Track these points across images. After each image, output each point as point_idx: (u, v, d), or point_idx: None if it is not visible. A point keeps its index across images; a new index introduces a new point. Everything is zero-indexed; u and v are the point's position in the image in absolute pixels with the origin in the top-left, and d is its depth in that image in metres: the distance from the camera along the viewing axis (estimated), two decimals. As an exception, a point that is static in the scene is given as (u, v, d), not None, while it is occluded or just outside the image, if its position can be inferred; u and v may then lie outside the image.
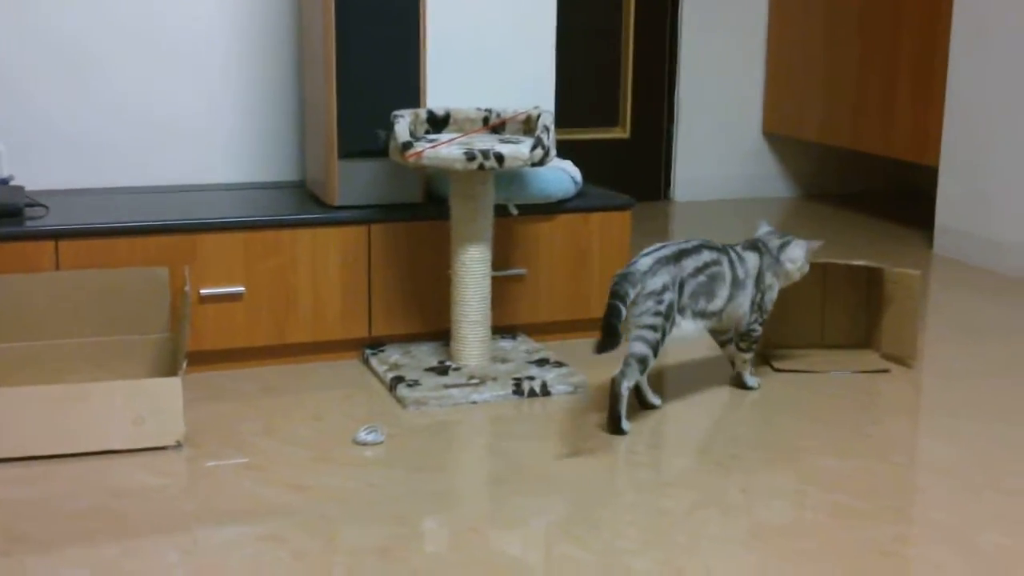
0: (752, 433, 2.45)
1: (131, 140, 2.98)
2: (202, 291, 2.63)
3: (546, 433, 2.41)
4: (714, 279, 2.52)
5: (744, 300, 2.59)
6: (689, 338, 2.53)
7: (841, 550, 1.92)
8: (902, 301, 2.83)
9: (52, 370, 2.50)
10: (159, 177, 3.02)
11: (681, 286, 2.47)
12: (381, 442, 2.33)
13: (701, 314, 2.52)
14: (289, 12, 3.04)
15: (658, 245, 2.51)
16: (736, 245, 2.62)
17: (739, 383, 2.70)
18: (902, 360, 2.86)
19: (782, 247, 2.65)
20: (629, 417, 2.43)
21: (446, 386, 2.57)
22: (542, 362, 2.75)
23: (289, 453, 2.28)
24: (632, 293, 2.40)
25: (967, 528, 2.00)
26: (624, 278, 2.42)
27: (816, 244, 2.67)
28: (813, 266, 2.71)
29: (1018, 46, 3.74)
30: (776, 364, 2.83)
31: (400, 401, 2.54)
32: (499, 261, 2.82)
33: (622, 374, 2.42)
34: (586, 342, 3.00)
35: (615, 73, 4.94)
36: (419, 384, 2.58)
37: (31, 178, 2.91)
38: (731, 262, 2.57)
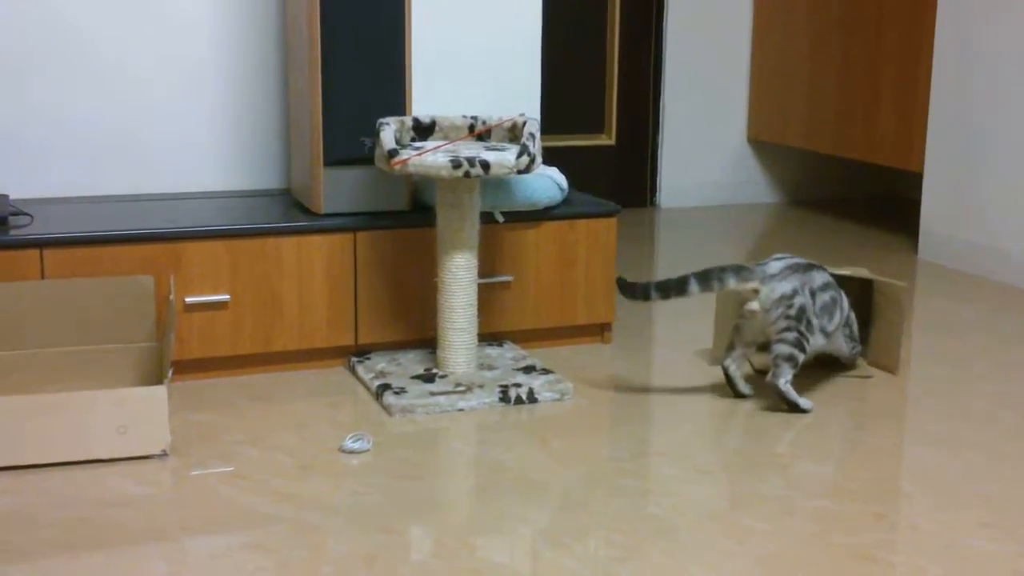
0: (736, 440, 2.46)
1: (116, 149, 2.97)
2: (187, 299, 2.62)
3: (532, 441, 2.42)
4: (833, 301, 2.65)
5: (840, 326, 2.70)
6: (810, 354, 2.63)
7: (825, 557, 1.92)
8: (888, 312, 2.84)
9: (36, 379, 2.49)
10: (144, 185, 3.02)
11: (813, 296, 2.59)
12: (368, 450, 2.33)
13: (823, 332, 2.63)
14: (274, 19, 3.04)
15: (784, 254, 2.65)
16: (812, 265, 2.66)
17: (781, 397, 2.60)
18: (887, 369, 2.87)
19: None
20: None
21: (432, 394, 2.57)
22: (529, 369, 2.75)
23: (275, 462, 2.27)
24: (730, 283, 2.56)
25: (951, 535, 2.01)
26: (737, 268, 2.57)
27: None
28: None
29: (1002, 51, 3.77)
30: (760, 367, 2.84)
31: (387, 409, 2.54)
32: (485, 268, 2.83)
33: (774, 375, 2.56)
34: (572, 349, 3.02)
35: (600, 80, 4.95)
36: (405, 392, 2.58)
37: (14, 187, 2.90)
38: (839, 287, 2.69)
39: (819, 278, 2.63)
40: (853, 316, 2.76)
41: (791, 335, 2.56)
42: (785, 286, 2.56)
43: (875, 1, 4.42)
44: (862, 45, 4.51)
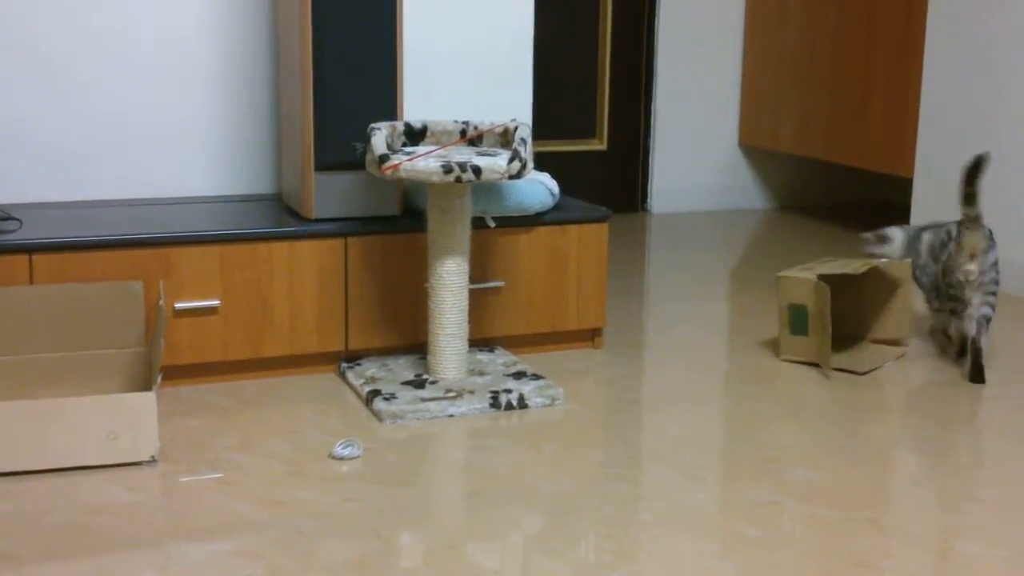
0: (728, 445, 2.45)
1: (105, 153, 2.96)
2: (177, 305, 2.62)
3: (523, 447, 2.41)
4: None
5: None
6: None
7: (817, 562, 1.92)
8: (891, 292, 3.04)
9: (26, 385, 2.48)
10: (133, 190, 3.01)
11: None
12: (358, 456, 2.32)
13: None
14: (266, 24, 3.04)
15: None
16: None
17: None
18: (900, 342, 3.06)
19: None
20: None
21: (423, 399, 2.57)
22: (519, 375, 2.74)
23: (265, 468, 2.26)
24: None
25: (943, 539, 2.01)
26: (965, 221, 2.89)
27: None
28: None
29: (993, 57, 3.77)
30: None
31: (377, 415, 2.54)
32: (477, 273, 2.82)
33: (979, 334, 2.83)
34: (563, 354, 3.01)
35: (592, 85, 4.95)
36: (396, 398, 2.57)
37: (3, 191, 2.89)
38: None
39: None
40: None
41: (994, 299, 2.86)
42: (993, 255, 2.85)
43: (867, 7, 4.43)
44: (853, 51, 4.51)
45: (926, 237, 3.07)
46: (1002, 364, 3.04)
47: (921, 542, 2.00)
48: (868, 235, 3.13)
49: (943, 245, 2.96)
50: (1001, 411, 2.68)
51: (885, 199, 5.24)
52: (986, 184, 3.82)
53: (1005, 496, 2.20)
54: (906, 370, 2.96)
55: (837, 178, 5.26)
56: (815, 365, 2.93)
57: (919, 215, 4.12)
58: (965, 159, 3.88)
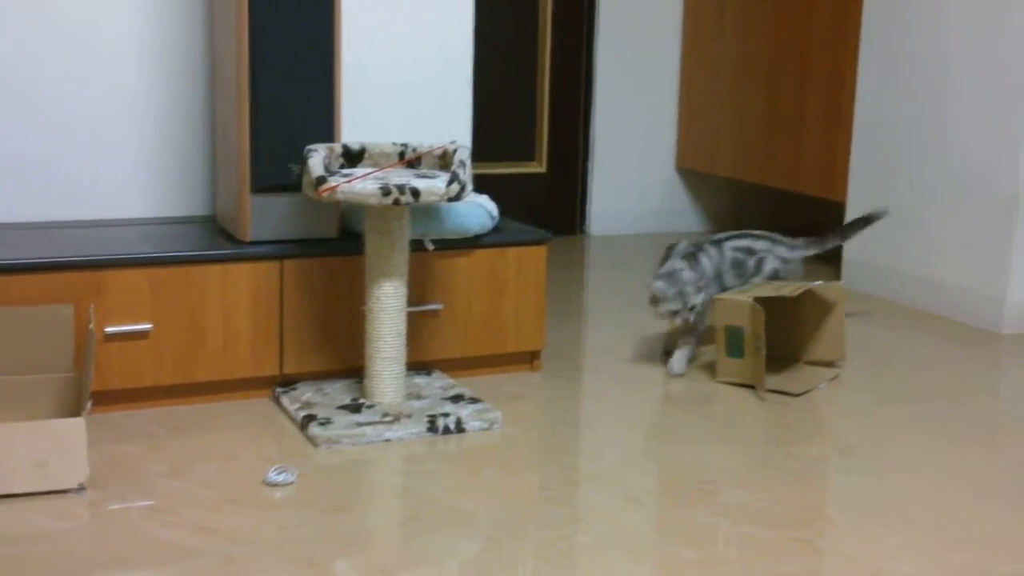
0: (665, 466, 2.46)
1: (36, 175, 2.91)
2: (107, 329, 2.57)
3: (460, 471, 2.40)
4: None
5: None
6: None
7: (754, 585, 1.92)
8: (826, 312, 3.09)
9: (-51, 411, 2.42)
10: (65, 213, 2.95)
11: None
12: (292, 482, 2.29)
13: None
14: (201, 43, 3.01)
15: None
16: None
17: None
18: (836, 362, 3.12)
19: (656, 276, 3.06)
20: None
21: (359, 424, 2.54)
22: (457, 398, 2.73)
23: (197, 495, 2.22)
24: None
25: (876, 560, 2.03)
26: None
27: (666, 305, 3.02)
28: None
29: (922, 83, 3.84)
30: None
31: (312, 440, 2.51)
32: (415, 296, 2.81)
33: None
34: (502, 377, 3.00)
35: (531, 108, 4.97)
36: (331, 422, 2.54)
37: (-70, 212, 2.83)
38: None
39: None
40: None
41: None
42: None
43: (800, 34, 4.49)
44: (787, 77, 4.58)
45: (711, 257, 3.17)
46: (930, 384, 3.08)
47: (855, 563, 2.02)
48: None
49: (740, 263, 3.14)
50: (929, 432, 2.71)
51: (819, 222, 5.30)
52: (912, 208, 3.88)
53: (937, 517, 2.22)
54: (839, 391, 2.99)
55: (773, 201, 5.32)
56: (751, 387, 2.95)
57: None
58: (895, 182, 3.95)
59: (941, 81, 3.77)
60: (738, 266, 3.15)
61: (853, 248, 4.16)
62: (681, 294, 2.93)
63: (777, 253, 3.18)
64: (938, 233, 3.81)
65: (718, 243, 3.16)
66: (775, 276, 3.17)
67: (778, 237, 3.25)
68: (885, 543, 2.10)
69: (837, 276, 4.23)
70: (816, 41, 4.41)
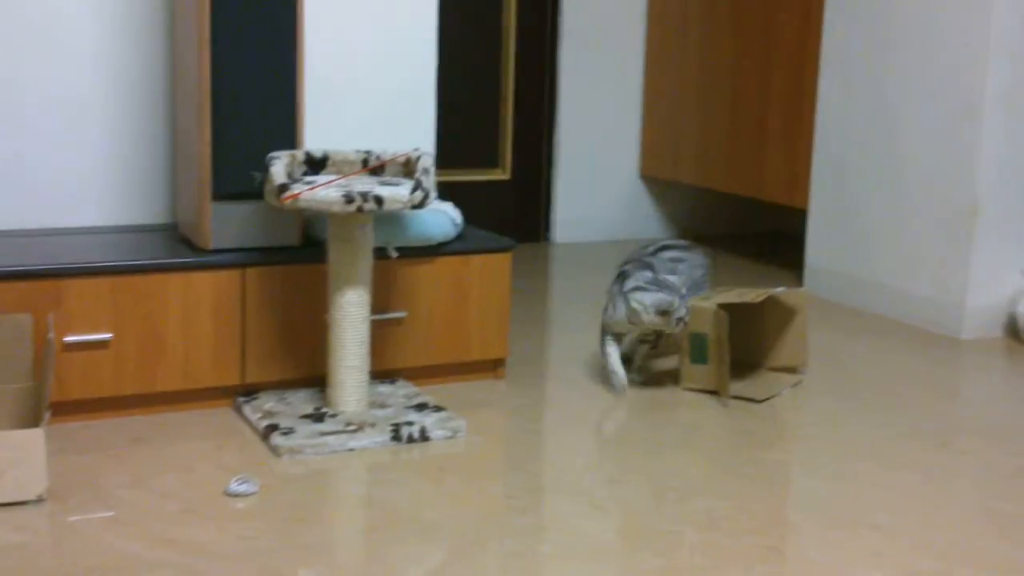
0: (629, 474, 2.45)
1: (-7, 181, 2.87)
2: (67, 338, 2.54)
3: (424, 480, 2.38)
4: None
5: None
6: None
7: (719, 592, 1.93)
8: (790, 318, 3.08)
9: (-96, 423, 2.38)
10: (24, 220, 2.91)
11: None
12: (254, 493, 2.27)
13: None
14: (162, 49, 2.98)
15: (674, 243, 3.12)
16: (631, 260, 3.02)
17: None
18: (799, 368, 3.12)
19: (640, 289, 2.88)
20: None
21: (322, 433, 2.52)
22: (421, 407, 2.72)
23: (158, 506, 2.20)
24: None
25: (841, 565, 2.03)
26: None
27: (678, 312, 2.87)
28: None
29: (881, 93, 3.88)
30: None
31: (274, 450, 2.48)
32: (378, 304, 2.79)
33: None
34: (466, 385, 2.99)
35: (495, 115, 4.96)
36: (294, 432, 2.52)
37: None
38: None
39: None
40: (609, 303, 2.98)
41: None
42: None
43: (762, 44, 4.52)
44: (750, 85, 4.60)
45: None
46: (892, 389, 3.10)
47: (821, 569, 2.02)
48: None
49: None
50: (891, 437, 2.73)
51: (782, 229, 5.33)
52: (873, 215, 3.91)
53: (901, 522, 2.24)
54: (802, 397, 3.00)
55: (736, 209, 5.35)
56: (715, 393, 2.95)
57: (814, 244, 4.20)
58: (856, 189, 3.98)
59: (900, 91, 3.81)
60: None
61: (815, 255, 4.19)
62: (683, 299, 2.88)
63: (696, 262, 3.13)
64: (898, 240, 3.84)
65: (654, 254, 3.06)
66: (701, 284, 3.13)
67: (692, 244, 3.21)
68: (850, 549, 2.11)
69: (799, 283, 4.25)
70: (778, 51, 4.44)
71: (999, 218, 3.60)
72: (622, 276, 2.95)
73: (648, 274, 2.91)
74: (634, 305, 2.84)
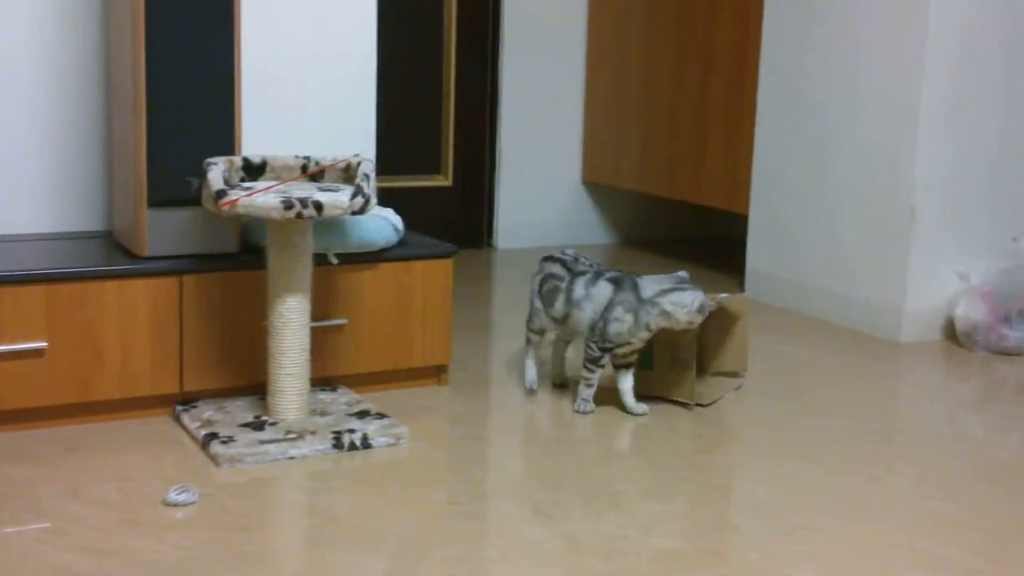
0: (574, 479, 2.45)
1: (-78, 188, 2.81)
2: (0, 348, 2.48)
3: (366, 488, 2.36)
4: (554, 291, 2.91)
5: (581, 319, 2.85)
6: (551, 330, 2.99)
7: (662, 595, 1.93)
8: (730, 324, 3.06)
9: None
10: (-47, 227, 2.86)
11: (543, 283, 2.95)
12: (193, 502, 2.23)
13: (546, 313, 2.95)
14: (96, 50, 2.94)
15: (563, 250, 3.02)
16: (604, 272, 2.89)
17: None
18: (739, 371, 3.10)
19: (666, 292, 2.77)
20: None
21: (262, 442, 2.49)
22: (363, 414, 2.69)
23: (94, 516, 2.16)
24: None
25: (781, 567, 2.05)
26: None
27: (710, 305, 2.84)
28: None
29: (820, 98, 3.92)
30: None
31: (214, 459, 2.45)
32: (319, 311, 2.77)
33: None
34: (408, 392, 2.98)
35: (437, 121, 4.95)
36: (234, 440, 2.49)
37: None
38: (571, 283, 2.88)
39: (547, 268, 2.96)
40: (602, 317, 2.81)
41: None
42: (542, 267, 3.00)
43: (703, 50, 4.55)
44: (691, 93, 4.63)
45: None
46: (832, 393, 3.13)
47: (760, 570, 2.03)
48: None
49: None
50: (831, 439, 2.75)
51: (724, 235, 5.37)
52: (817, 220, 3.95)
53: (838, 523, 2.26)
54: (744, 401, 3.02)
55: (678, 214, 5.38)
56: (659, 399, 2.96)
57: (754, 249, 4.24)
58: (794, 195, 4.02)
59: (839, 96, 3.85)
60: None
61: (756, 260, 4.22)
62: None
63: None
64: (837, 244, 3.89)
65: (592, 265, 2.97)
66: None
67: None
68: (791, 551, 2.12)
69: (741, 288, 4.28)
70: (718, 57, 4.47)
71: (936, 221, 3.65)
72: (619, 287, 2.80)
73: (659, 277, 2.83)
74: (668, 308, 2.74)
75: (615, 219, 5.35)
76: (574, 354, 3.08)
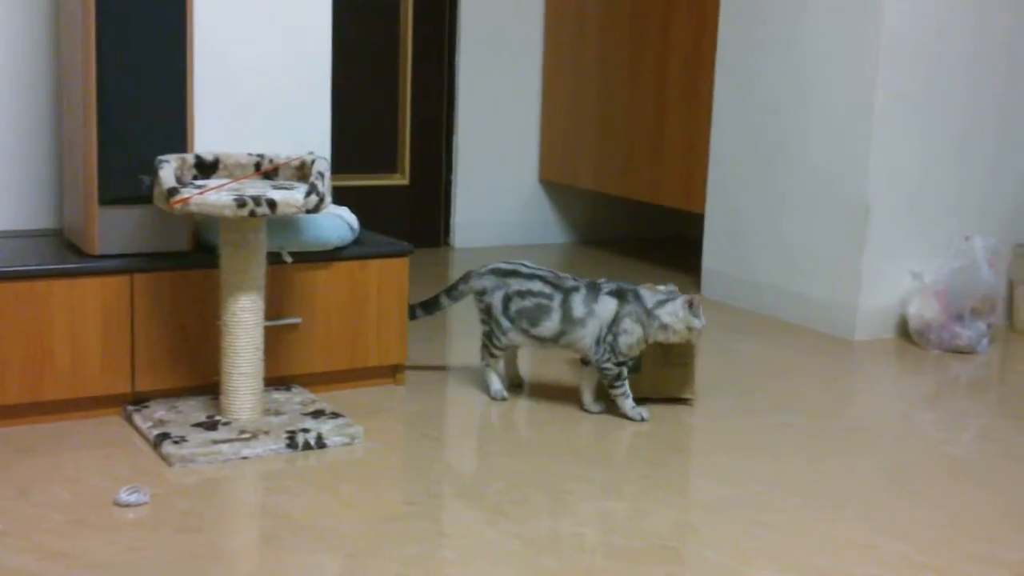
0: (529, 478, 2.45)
1: None
2: (-54, 347, 2.45)
3: (321, 487, 2.35)
4: (539, 308, 2.81)
5: (584, 336, 2.78)
6: (524, 346, 2.93)
7: (617, 593, 1.93)
8: (681, 346, 2.90)
9: None
10: (-101, 225, 2.81)
11: (507, 300, 2.84)
12: (145, 503, 2.21)
13: (524, 332, 2.85)
14: (47, 48, 2.89)
15: (516, 261, 2.92)
16: (600, 286, 2.81)
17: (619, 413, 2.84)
18: (687, 394, 2.96)
19: (661, 303, 2.76)
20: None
21: (215, 442, 2.46)
22: (317, 414, 2.67)
23: (44, 518, 2.12)
24: (461, 287, 2.98)
25: (737, 564, 2.05)
26: (465, 275, 2.98)
27: (691, 299, 2.78)
28: None
29: (775, 100, 3.94)
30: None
31: (166, 459, 2.42)
32: (273, 310, 2.74)
33: (481, 354, 2.96)
34: (363, 391, 2.96)
35: (394, 120, 4.93)
36: (186, 440, 2.46)
37: None
38: (566, 300, 2.80)
39: (517, 284, 2.85)
40: (610, 331, 2.76)
41: (484, 327, 2.92)
42: (478, 283, 2.92)
43: (659, 50, 4.56)
44: (648, 92, 4.64)
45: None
46: (787, 391, 3.15)
47: (716, 568, 2.04)
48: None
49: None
50: (786, 437, 2.77)
51: (681, 234, 5.39)
52: (773, 220, 3.98)
53: (795, 521, 2.27)
54: (699, 399, 3.02)
55: (635, 213, 5.39)
56: (647, 400, 2.92)
57: (710, 248, 4.25)
58: (749, 194, 4.04)
59: (794, 98, 3.87)
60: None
61: (712, 259, 4.24)
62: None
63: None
64: (793, 244, 3.91)
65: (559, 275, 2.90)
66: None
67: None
68: (747, 549, 2.13)
69: (697, 287, 4.30)
70: (674, 58, 4.49)
71: (890, 221, 3.68)
72: (623, 299, 2.76)
73: (645, 286, 2.82)
74: (667, 320, 2.73)
75: (572, 218, 5.35)
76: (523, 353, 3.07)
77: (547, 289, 2.82)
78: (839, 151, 3.73)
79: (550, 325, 2.80)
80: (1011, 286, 3.89)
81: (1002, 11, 3.77)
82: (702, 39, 4.30)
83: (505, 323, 2.86)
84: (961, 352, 3.57)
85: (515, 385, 3.03)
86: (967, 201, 3.83)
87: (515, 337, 2.87)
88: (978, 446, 2.81)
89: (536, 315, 2.82)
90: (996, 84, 3.80)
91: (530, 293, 2.83)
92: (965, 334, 3.58)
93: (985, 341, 3.61)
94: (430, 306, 3.07)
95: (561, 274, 2.86)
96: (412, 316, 3.04)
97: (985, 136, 3.82)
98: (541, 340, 2.84)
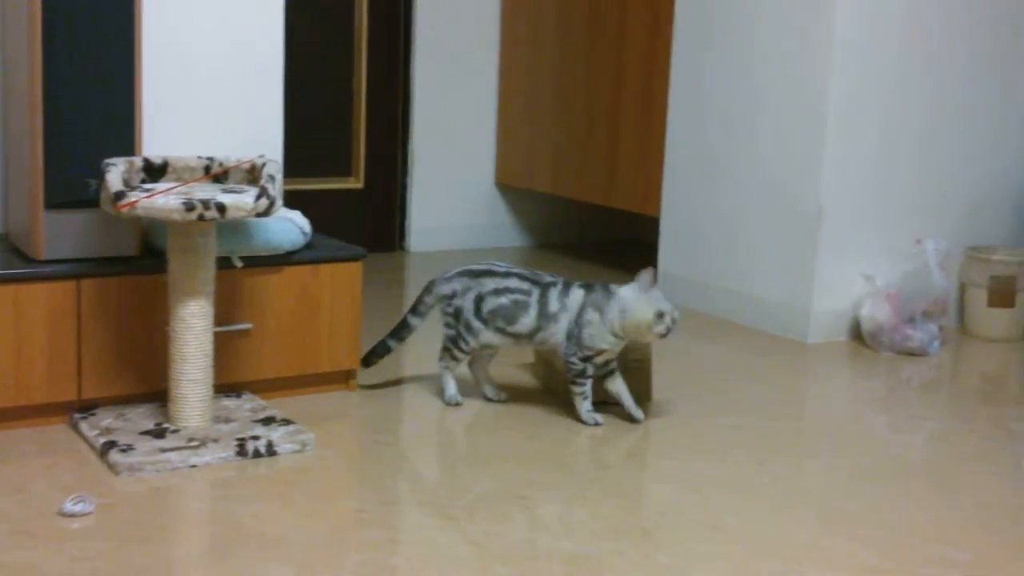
0: (483, 483, 2.43)
1: None
2: None
3: (271, 495, 2.32)
4: (517, 305, 2.80)
5: (557, 332, 2.78)
6: (497, 346, 2.88)
7: (570, 600, 1.91)
8: (636, 349, 2.91)
9: None
10: None
11: (480, 300, 2.82)
12: (90, 512, 2.17)
13: (501, 331, 2.82)
14: (-11, 53, 2.84)
15: (486, 262, 2.91)
16: (573, 283, 2.81)
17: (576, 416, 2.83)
18: (639, 403, 2.90)
19: (627, 287, 2.77)
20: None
21: (163, 450, 2.43)
22: (268, 420, 2.64)
23: (-15, 530, 2.08)
24: (426, 299, 2.94)
25: (689, 568, 2.05)
26: (429, 284, 2.93)
27: (645, 277, 2.76)
28: None
29: (730, 104, 3.95)
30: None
31: (112, 468, 2.38)
32: (223, 316, 2.71)
33: (440, 358, 2.92)
34: (315, 398, 2.93)
35: (348, 123, 4.90)
36: (133, 449, 2.42)
37: None
38: (543, 295, 2.79)
39: (492, 283, 2.83)
40: (576, 324, 2.75)
41: (449, 331, 2.88)
42: (445, 288, 2.89)
43: (615, 53, 4.56)
44: (603, 96, 4.64)
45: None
46: (741, 394, 3.15)
47: (668, 571, 2.03)
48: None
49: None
50: (739, 440, 2.77)
51: (638, 238, 5.40)
52: (727, 223, 3.99)
53: (747, 525, 2.27)
54: (653, 402, 3.02)
55: (592, 217, 5.39)
56: (608, 404, 2.91)
57: (666, 251, 4.26)
58: (704, 198, 4.05)
59: (748, 102, 3.89)
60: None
61: (668, 262, 4.25)
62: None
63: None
64: (746, 246, 3.92)
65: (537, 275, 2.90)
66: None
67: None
68: (698, 551, 2.12)
69: (652, 290, 4.30)
70: (630, 62, 4.49)
71: (843, 224, 3.70)
72: (590, 289, 2.77)
73: (620, 290, 2.78)
74: (627, 296, 2.73)
75: (529, 222, 5.34)
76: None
77: (524, 285, 2.82)
78: (791, 154, 3.74)
79: (527, 321, 2.79)
80: (962, 289, 3.93)
81: (963, 12, 3.80)
82: (657, 44, 4.31)
83: (476, 324, 2.82)
84: (913, 354, 3.60)
85: (503, 400, 2.95)
86: (924, 204, 3.86)
87: (489, 337, 2.84)
88: (930, 447, 2.83)
89: (513, 312, 2.80)
90: (956, 87, 3.83)
91: (507, 290, 2.82)
92: (917, 336, 3.61)
93: (936, 343, 3.64)
94: (400, 332, 2.96)
95: (537, 271, 2.87)
96: (367, 364, 2.96)
97: (944, 139, 3.85)
98: (516, 338, 2.82)
